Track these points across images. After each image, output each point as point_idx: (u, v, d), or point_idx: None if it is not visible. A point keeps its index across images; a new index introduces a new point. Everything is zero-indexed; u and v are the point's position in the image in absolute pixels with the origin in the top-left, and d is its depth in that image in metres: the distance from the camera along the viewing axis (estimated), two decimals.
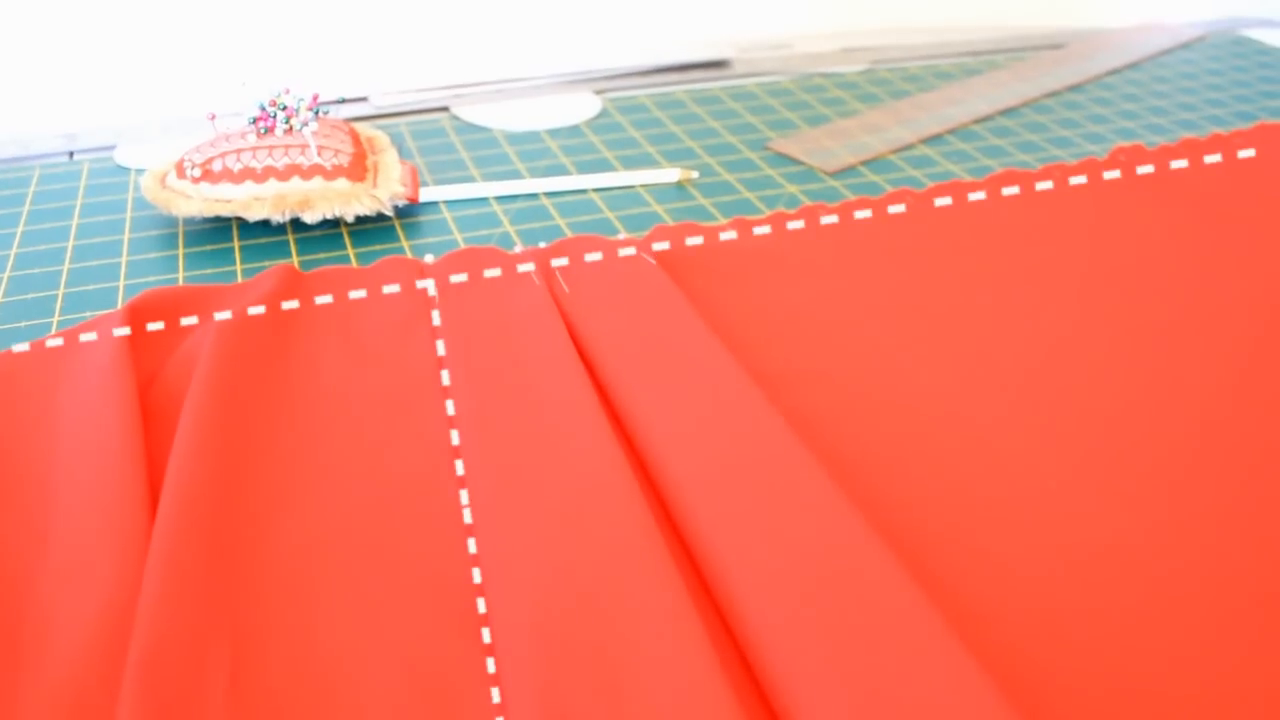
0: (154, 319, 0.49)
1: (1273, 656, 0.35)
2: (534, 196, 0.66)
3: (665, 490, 0.40)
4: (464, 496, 0.40)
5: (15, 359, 0.47)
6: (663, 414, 0.43)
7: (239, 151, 0.60)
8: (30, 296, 0.55)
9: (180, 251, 0.59)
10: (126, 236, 0.61)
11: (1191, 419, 0.47)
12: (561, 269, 0.55)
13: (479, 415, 0.43)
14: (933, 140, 0.76)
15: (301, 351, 0.49)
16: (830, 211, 0.63)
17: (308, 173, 0.59)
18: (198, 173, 0.59)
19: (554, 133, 0.75)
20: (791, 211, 0.63)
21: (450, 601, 0.36)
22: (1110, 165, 0.71)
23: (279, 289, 0.52)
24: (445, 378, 0.46)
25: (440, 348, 0.48)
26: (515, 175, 0.69)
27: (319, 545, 0.38)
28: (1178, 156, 0.73)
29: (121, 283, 0.56)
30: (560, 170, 0.69)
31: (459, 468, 0.41)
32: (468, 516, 0.39)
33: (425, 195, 0.65)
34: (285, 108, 0.62)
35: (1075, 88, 0.87)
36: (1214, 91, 0.88)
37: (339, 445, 0.43)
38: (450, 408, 0.45)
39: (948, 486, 0.42)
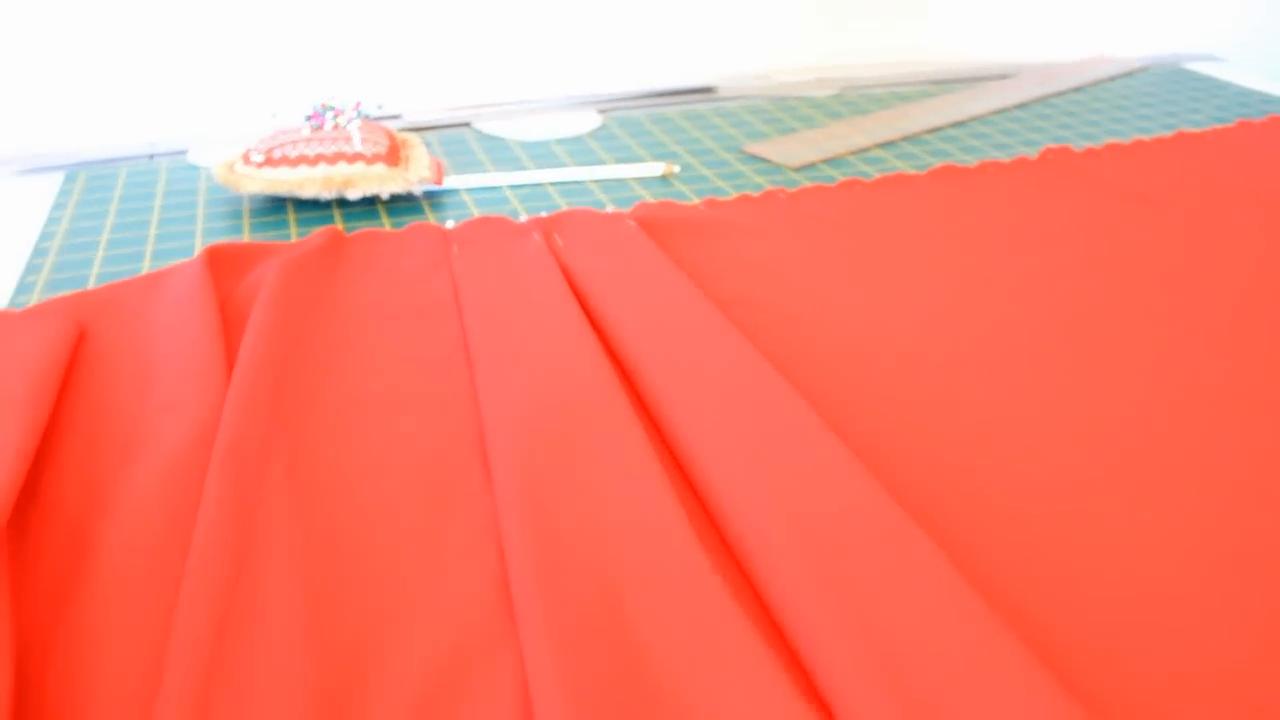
0: (227, 258, 0.62)
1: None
2: (539, 186, 0.78)
3: (638, 381, 0.51)
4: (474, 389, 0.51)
5: (123, 284, 0.59)
6: (637, 329, 0.53)
7: (294, 142, 0.72)
8: (124, 268, 0.67)
9: (245, 224, 0.71)
10: (201, 215, 0.73)
11: (1119, 357, 0.58)
12: (556, 227, 0.67)
13: (485, 322, 0.55)
14: (887, 145, 0.88)
15: (344, 278, 0.61)
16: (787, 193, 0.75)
17: (351, 158, 0.72)
18: (260, 158, 0.72)
19: (560, 141, 0.88)
20: (755, 195, 0.75)
21: (458, 428, 0.48)
22: (1038, 161, 0.83)
23: (327, 242, 0.64)
24: (461, 305, 0.58)
25: (456, 283, 0.60)
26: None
27: (356, 397, 0.50)
28: (1099, 155, 0.84)
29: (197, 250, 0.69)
30: (564, 167, 0.82)
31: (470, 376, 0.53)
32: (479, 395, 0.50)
33: (448, 182, 0.77)
34: (333, 108, 0.74)
35: (1021, 106, 0.99)
36: (1145, 109, 0.99)
37: (372, 339, 0.55)
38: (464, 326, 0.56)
39: (878, 391, 0.53)
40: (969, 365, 0.54)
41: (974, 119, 0.95)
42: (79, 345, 0.53)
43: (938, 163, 0.84)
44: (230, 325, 0.56)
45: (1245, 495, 0.45)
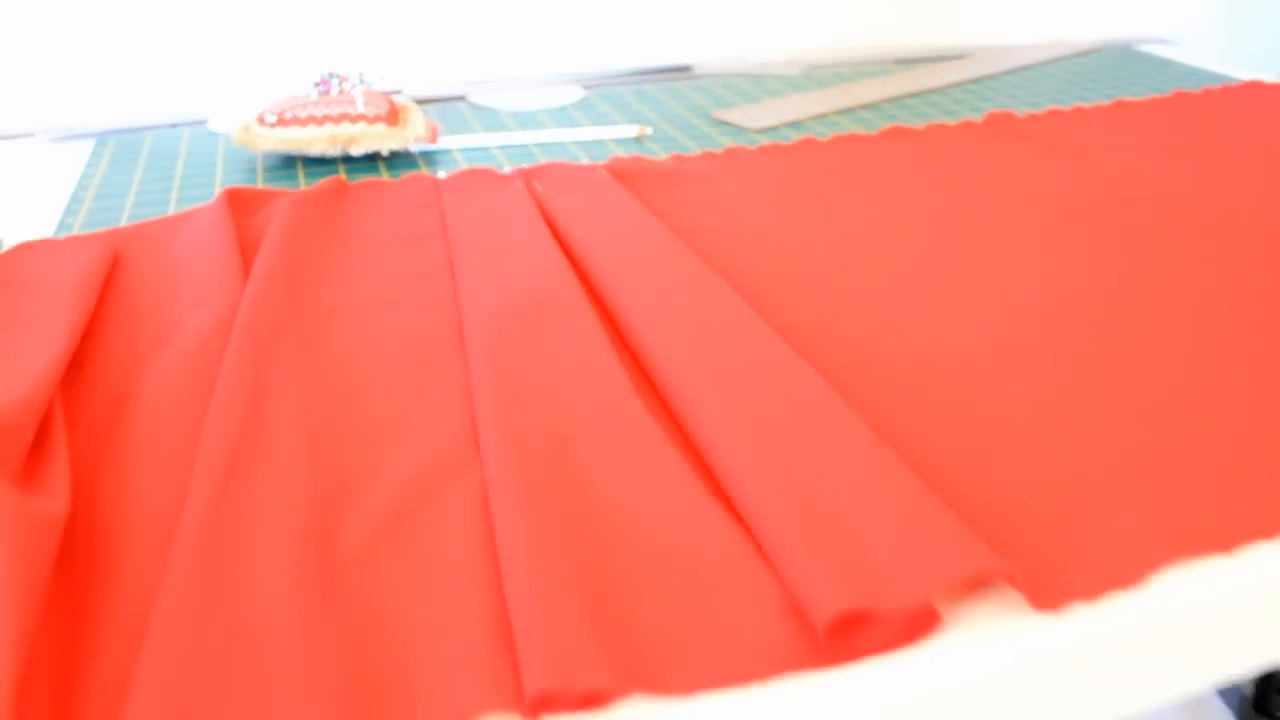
0: (243, 199, 0.70)
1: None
2: (524, 146, 0.87)
3: (597, 283, 0.59)
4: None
5: (152, 221, 0.68)
6: (598, 245, 0.61)
7: (304, 105, 0.81)
8: (150, 214, 0.75)
9: (260, 179, 0.80)
10: (219, 173, 0.82)
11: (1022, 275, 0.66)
12: (536, 175, 0.75)
13: (468, 243, 0.63)
14: (845, 112, 0.96)
15: (346, 213, 0.69)
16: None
17: (355, 119, 0.80)
18: (274, 119, 0.80)
19: (546, 111, 0.96)
20: (718, 151, 0.83)
21: (440, 321, 0.56)
22: (982, 124, 0.91)
23: (332, 186, 0.72)
24: (450, 240, 0.66)
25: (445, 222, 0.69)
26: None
27: (353, 298, 0.58)
28: (1039, 119, 0.92)
29: None
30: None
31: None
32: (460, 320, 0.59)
33: (442, 143, 0.86)
34: (339, 76, 0.83)
35: (974, 81, 1.07)
36: (1092, 84, 1.07)
37: (368, 257, 0.63)
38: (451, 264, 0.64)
39: (809, 294, 0.61)
40: (886, 275, 0.62)
41: (928, 91, 1.03)
42: (114, 265, 0.62)
43: (889, 125, 0.92)
44: (245, 249, 0.65)
45: (1090, 371, 0.53)
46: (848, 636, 0.36)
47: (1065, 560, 0.40)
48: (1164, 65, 1.16)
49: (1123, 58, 1.19)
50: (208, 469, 0.42)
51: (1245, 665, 0.44)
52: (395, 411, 0.48)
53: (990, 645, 0.37)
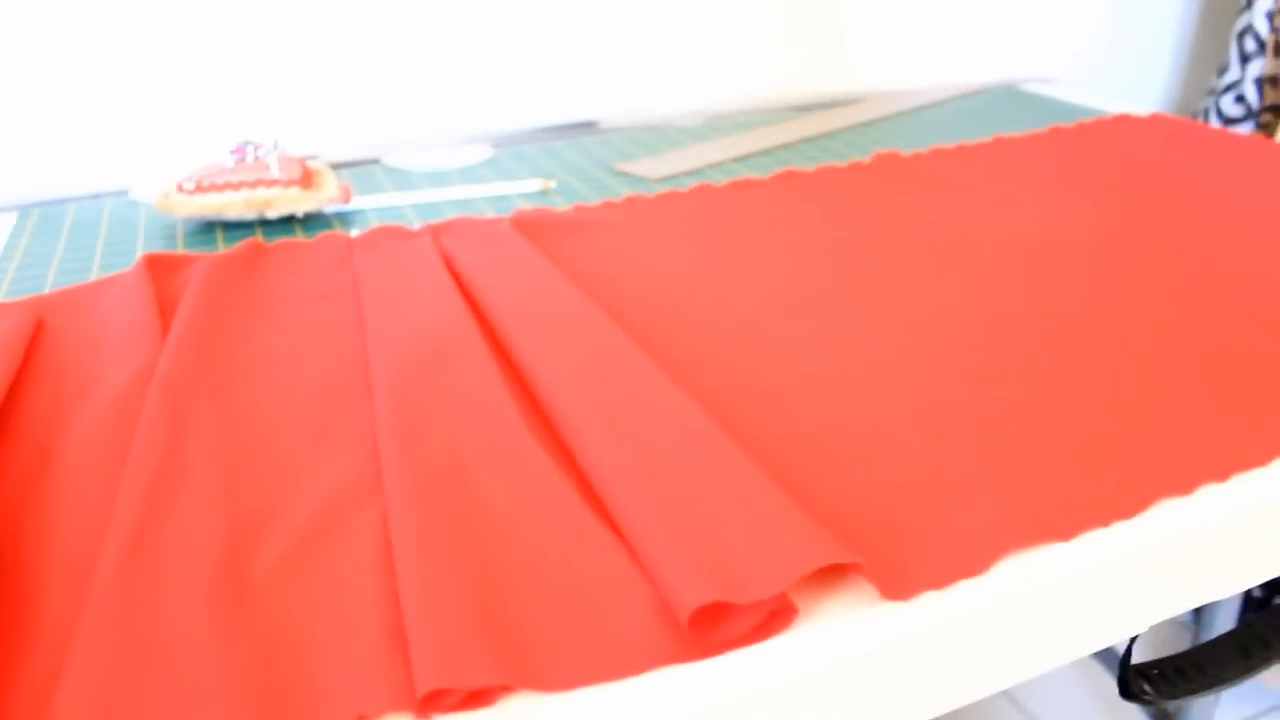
0: (162, 264, 0.74)
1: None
2: (434, 204, 0.91)
3: (495, 327, 0.63)
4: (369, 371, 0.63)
5: (73, 288, 0.71)
6: (498, 292, 0.65)
7: (221, 171, 0.85)
8: (73, 282, 0.78)
9: (180, 245, 0.83)
10: (140, 239, 0.85)
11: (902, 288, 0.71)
12: (444, 231, 0.79)
13: (377, 297, 0.67)
14: (741, 159, 1.01)
15: (261, 273, 0.73)
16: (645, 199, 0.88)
17: (270, 183, 0.84)
18: (191, 186, 0.84)
19: (458, 170, 1.01)
20: (616, 200, 0.88)
21: (350, 370, 0.60)
22: (869, 164, 0.96)
23: (248, 248, 0.76)
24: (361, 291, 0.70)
25: (356, 275, 0.72)
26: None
27: (267, 351, 0.62)
28: (924, 157, 0.98)
29: None
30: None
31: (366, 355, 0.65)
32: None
33: (355, 203, 0.90)
34: (254, 144, 0.87)
35: (866, 124, 1.13)
36: (977, 122, 1.14)
37: (283, 314, 0.67)
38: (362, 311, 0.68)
39: (693, 328, 0.66)
40: (773, 307, 0.67)
41: (821, 135, 1.09)
42: (38, 329, 0.65)
43: (783, 168, 0.97)
44: (165, 310, 0.68)
45: (948, 382, 0.58)
46: (711, 629, 0.40)
47: (916, 553, 0.45)
48: (1044, 102, 1.23)
49: (1006, 97, 1.26)
50: (126, 508, 0.45)
51: (1086, 645, 0.48)
52: (305, 450, 0.52)
53: (845, 633, 0.41)
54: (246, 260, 0.74)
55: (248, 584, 0.42)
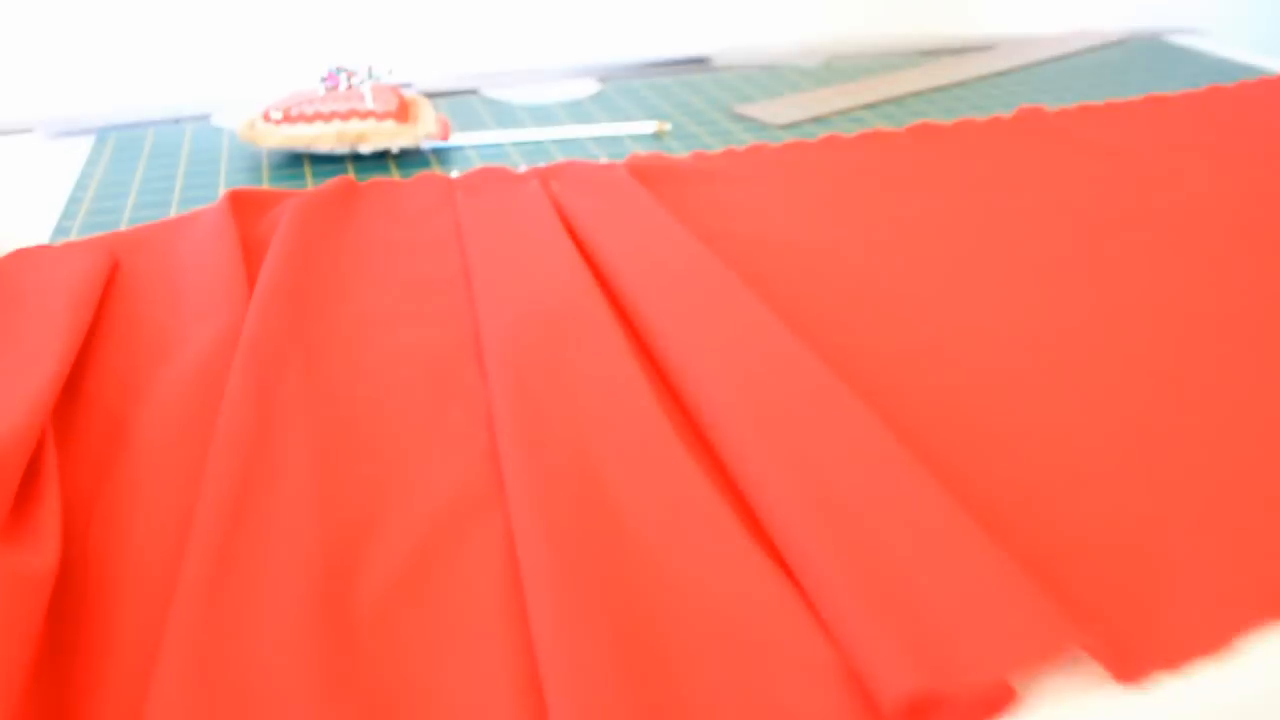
0: (247, 201, 0.67)
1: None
2: (539, 143, 0.83)
3: (619, 295, 0.56)
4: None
5: (152, 225, 0.65)
6: (620, 254, 0.58)
7: (311, 100, 0.78)
8: (152, 215, 0.72)
9: (264, 178, 0.77)
10: (223, 171, 0.78)
11: (1067, 270, 0.62)
12: (553, 175, 0.72)
13: (484, 251, 0.60)
14: (870, 107, 0.93)
15: (355, 217, 0.66)
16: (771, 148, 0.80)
17: (364, 115, 0.77)
18: (279, 115, 0.77)
19: (562, 105, 0.93)
20: (740, 148, 0.80)
21: (457, 337, 0.53)
22: (1012, 119, 0.87)
23: (340, 187, 0.69)
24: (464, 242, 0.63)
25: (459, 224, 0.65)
26: None
27: (365, 313, 0.55)
28: (1071, 115, 0.89)
29: None
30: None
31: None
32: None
33: (454, 139, 0.82)
34: (347, 71, 0.80)
35: (1001, 74, 1.04)
36: (1122, 77, 1.04)
37: (380, 266, 0.60)
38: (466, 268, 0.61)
39: (839, 306, 0.58)
40: (923, 286, 0.59)
41: (954, 85, 1.00)
42: (113, 273, 0.59)
43: (916, 121, 0.88)
44: (250, 256, 0.61)
45: (1155, 396, 0.49)
46: (917, 717, 0.32)
47: (1140, 620, 0.37)
48: (1194, 57, 1.12)
49: (1152, 49, 1.15)
50: (210, 520, 0.39)
51: None
52: (410, 442, 0.45)
53: None
54: (339, 201, 0.68)
55: (349, 624, 0.35)
